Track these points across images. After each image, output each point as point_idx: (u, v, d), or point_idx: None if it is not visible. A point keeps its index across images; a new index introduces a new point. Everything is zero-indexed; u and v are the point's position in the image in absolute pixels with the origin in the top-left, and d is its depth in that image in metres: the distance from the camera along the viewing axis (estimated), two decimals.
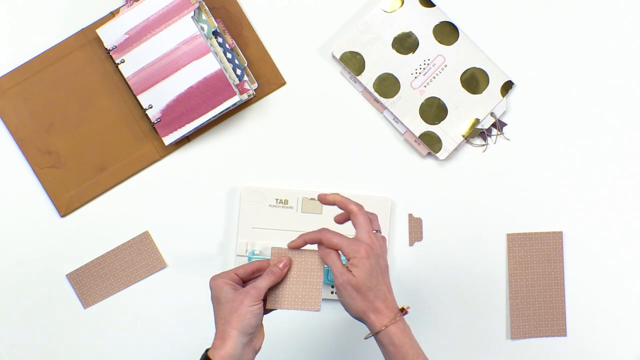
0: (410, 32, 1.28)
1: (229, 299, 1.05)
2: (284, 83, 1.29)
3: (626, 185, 1.30)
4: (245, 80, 1.26)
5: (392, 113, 1.28)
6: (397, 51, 1.28)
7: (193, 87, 1.25)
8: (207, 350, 1.05)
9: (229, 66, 1.26)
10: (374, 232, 1.05)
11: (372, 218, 1.06)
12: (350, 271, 1.02)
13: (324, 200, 1.08)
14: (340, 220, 1.08)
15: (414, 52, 1.28)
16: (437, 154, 1.28)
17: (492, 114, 1.29)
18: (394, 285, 1.28)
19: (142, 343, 1.28)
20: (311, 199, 1.27)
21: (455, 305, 1.28)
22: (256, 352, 1.06)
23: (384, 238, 1.06)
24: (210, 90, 1.24)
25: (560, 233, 1.29)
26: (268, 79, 1.29)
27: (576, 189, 1.30)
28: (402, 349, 1.02)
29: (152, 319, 1.28)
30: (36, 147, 1.28)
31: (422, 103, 1.28)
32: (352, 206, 1.05)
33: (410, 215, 1.29)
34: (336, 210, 1.16)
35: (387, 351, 1.03)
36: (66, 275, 1.28)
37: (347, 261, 1.02)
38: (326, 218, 1.27)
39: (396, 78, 1.28)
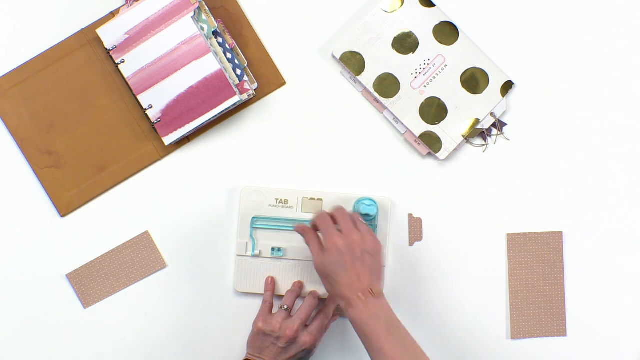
0: (410, 32, 1.28)
1: None
2: (284, 83, 1.29)
3: (626, 185, 1.30)
4: (245, 80, 1.26)
5: (392, 113, 1.28)
6: (397, 51, 1.28)
7: (193, 87, 1.25)
8: None
9: (229, 66, 1.26)
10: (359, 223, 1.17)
11: (353, 216, 1.18)
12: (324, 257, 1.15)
13: (310, 226, 1.21)
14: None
15: (414, 52, 1.28)
16: (437, 154, 1.28)
17: (492, 114, 1.29)
18: (393, 284, 1.28)
19: (141, 343, 1.28)
20: (311, 198, 1.27)
21: (455, 305, 1.28)
22: None
23: (368, 229, 1.16)
24: (210, 90, 1.24)
25: (560, 233, 1.29)
26: (268, 79, 1.29)
27: (576, 189, 1.30)
28: (365, 328, 1.10)
29: (152, 319, 1.28)
30: (36, 147, 1.28)
31: (422, 103, 1.28)
32: (333, 211, 1.18)
33: (410, 215, 1.29)
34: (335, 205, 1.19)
35: (357, 333, 1.12)
36: (66, 275, 1.28)
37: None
38: None
39: (396, 78, 1.28)
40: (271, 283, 1.26)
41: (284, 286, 1.27)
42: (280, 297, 1.26)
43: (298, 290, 1.25)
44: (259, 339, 1.20)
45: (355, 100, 1.30)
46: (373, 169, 1.29)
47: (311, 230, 1.19)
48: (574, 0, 1.30)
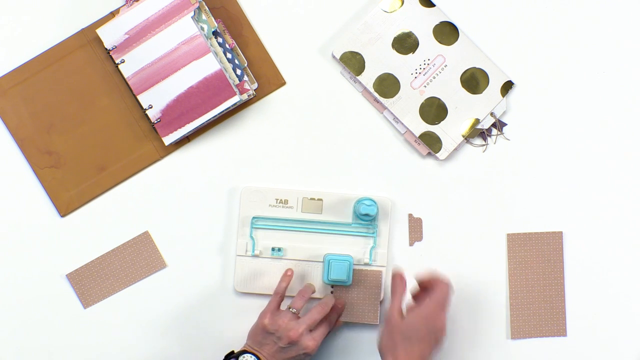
0: (410, 32, 1.28)
1: None
2: (284, 83, 1.29)
3: (626, 185, 1.30)
4: (245, 80, 1.26)
5: (392, 113, 1.28)
6: (397, 51, 1.28)
7: (193, 87, 1.25)
8: None
9: (229, 66, 1.26)
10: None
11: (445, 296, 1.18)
12: (403, 316, 1.15)
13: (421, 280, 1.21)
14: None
15: (414, 52, 1.28)
16: (437, 154, 1.28)
17: (492, 114, 1.29)
18: None
19: (142, 343, 1.28)
20: (311, 198, 1.27)
21: (456, 305, 1.28)
22: None
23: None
24: (210, 90, 1.24)
25: (560, 233, 1.29)
26: (268, 79, 1.29)
27: (576, 189, 1.30)
28: None
29: (152, 319, 1.28)
30: (36, 147, 1.28)
31: (422, 103, 1.28)
32: (443, 281, 1.18)
33: (410, 215, 1.29)
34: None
35: None
36: (66, 275, 1.28)
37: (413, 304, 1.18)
38: (326, 218, 1.27)
39: (396, 78, 1.28)
40: (290, 275, 1.24)
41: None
42: (288, 297, 1.26)
43: (309, 294, 1.23)
44: (261, 334, 1.19)
45: (355, 100, 1.30)
46: (373, 169, 1.29)
47: (403, 284, 1.18)
48: (574, 0, 1.30)
